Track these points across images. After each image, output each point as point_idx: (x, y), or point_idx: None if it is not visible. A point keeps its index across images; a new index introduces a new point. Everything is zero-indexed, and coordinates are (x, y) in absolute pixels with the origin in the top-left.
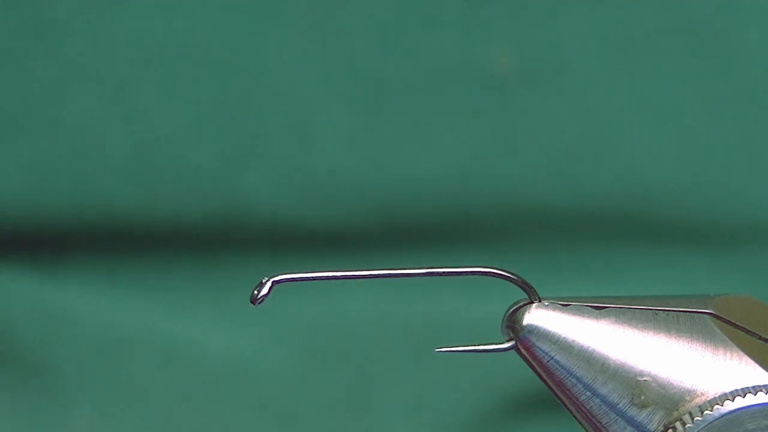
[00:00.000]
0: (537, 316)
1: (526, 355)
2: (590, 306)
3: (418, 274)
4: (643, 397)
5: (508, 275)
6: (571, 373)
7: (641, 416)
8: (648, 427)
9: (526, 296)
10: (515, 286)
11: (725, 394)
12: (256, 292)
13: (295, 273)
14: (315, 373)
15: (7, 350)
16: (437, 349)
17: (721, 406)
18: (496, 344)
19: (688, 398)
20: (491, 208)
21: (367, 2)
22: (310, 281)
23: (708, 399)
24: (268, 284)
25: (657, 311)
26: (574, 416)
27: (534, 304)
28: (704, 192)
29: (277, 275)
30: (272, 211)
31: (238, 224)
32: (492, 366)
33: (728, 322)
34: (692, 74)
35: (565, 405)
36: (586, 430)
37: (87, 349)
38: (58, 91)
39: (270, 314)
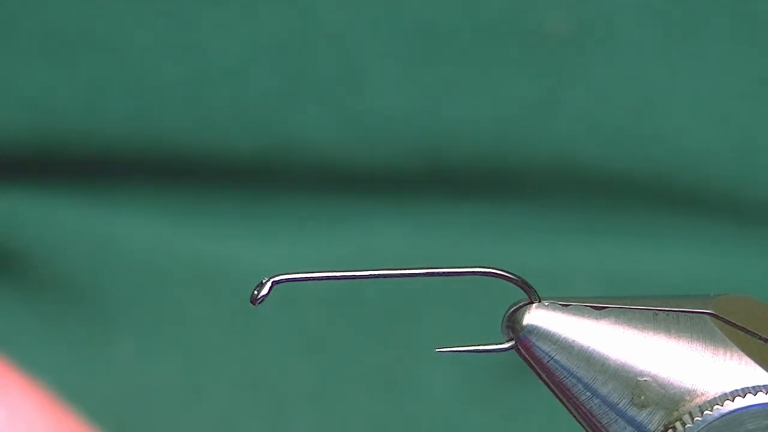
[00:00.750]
0: (537, 316)
1: (526, 355)
2: (590, 306)
3: (419, 274)
4: (643, 397)
5: (508, 275)
6: (571, 373)
7: (641, 416)
8: (648, 427)
9: (526, 296)
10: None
11: (725, 394)
12: (255, 292)
13: (295, 273)
14: (354, 298)
15: (52, 275)
16: (437, 349)
17: (721, 406)
18: (496, 344)
19: (688, 398)
20: (533, 163)
21: None
22: (310, 281)
23: (708, 399)
24: (268, 284)
25: (657, 311)
26: (574, 416)
27: (534, 304)
28: (743, 164)
29: (277, 275)
30: (321, 149)
31: (287, 160)
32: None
33: (728, 322)
34: (738, 47)
35: (565, 405)
36: (586, 430)
37: (132, 277)
38: (118, 19)
39: (315, 242)
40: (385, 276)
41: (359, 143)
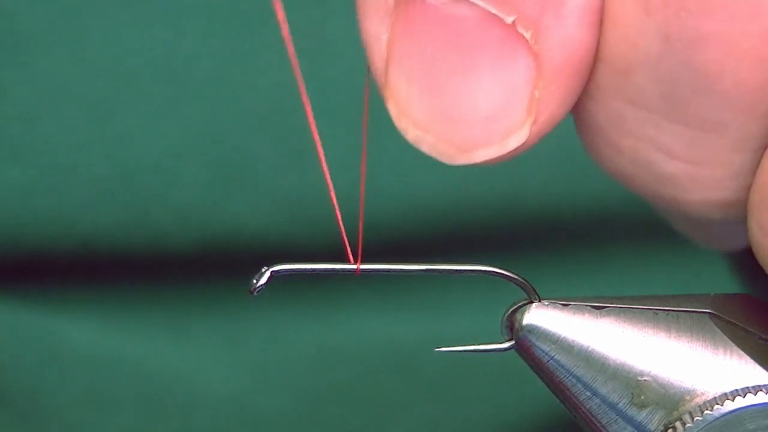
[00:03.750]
0: (537, 316)
1: (526, 355)
2: (590, 306)
3: (418, 270)
4: (643, 397)
5: (508, 274)
6: (571, 373)
7: (641, 416)
8: (648, 427)
9: (526, 296)
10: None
11: (725, 393)
12: (254, 281)
13: (294, 264)
14: (312, 407)
15: None
16: (437, 349)
17: (721, 405)
18: (496, 344)
19: (688, 398)
20: (488, 220)
21: (354, 20)
22: (309, 273)
23: (708, 399)
24: (267, 274)
25: (657, 311)
26: (573, 416)
27: (534, 304)
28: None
29: (276, 265)
30: (261, 235)
31: (227, 249)
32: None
33: (728, 321)
34: None
35: (564, 405)
36: (585, 429)
37: (72, 384)
38: (32, 114)
39: (265, 345)
40: (384, 271)
41: (302, 224)
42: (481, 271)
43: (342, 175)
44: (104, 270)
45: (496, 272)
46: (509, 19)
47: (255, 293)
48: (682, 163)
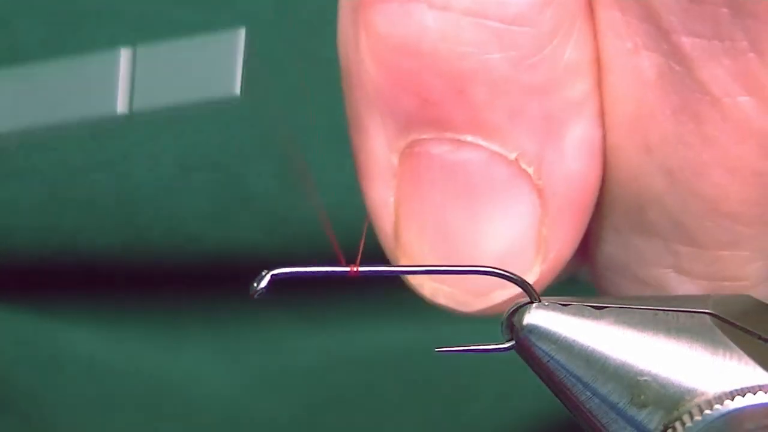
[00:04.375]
0: (537, 316)
1: (526, 355)
2: (590, 306)
3: (419, 271)
4: (642, 397)
5: (509, 275)
6: (571, 373)
7: (641, 416)
8: (648, 427)
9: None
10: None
11: (725, 393)
12: (255, 284)
13: (294, 267)
14: (312, 413)
15: None
16: (437, 349)
17: (721, 405)
18: (496, 344)
19: (687, 398)
20: None
21: None
22: (309, 276)
23: (708, 399)
24: (267, 278)
25: (657, 311)
26: (574, 416)
27: (534, 304)
28: None
29: (277, 269)
30: (260, 251)
31: (226, 263)
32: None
33: (728, 321)
34: None
35: (565, 404)
36: (585, 429)
37: (74, 390)
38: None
39: (264, 353)
40: (384, 273)
41: (298, 243)
42: (481, 271)
43: (341, 199)
44: (104, 281)
45: (496, 272)
46: (512, 156)
47: (256, 296)
48: (705, 281)
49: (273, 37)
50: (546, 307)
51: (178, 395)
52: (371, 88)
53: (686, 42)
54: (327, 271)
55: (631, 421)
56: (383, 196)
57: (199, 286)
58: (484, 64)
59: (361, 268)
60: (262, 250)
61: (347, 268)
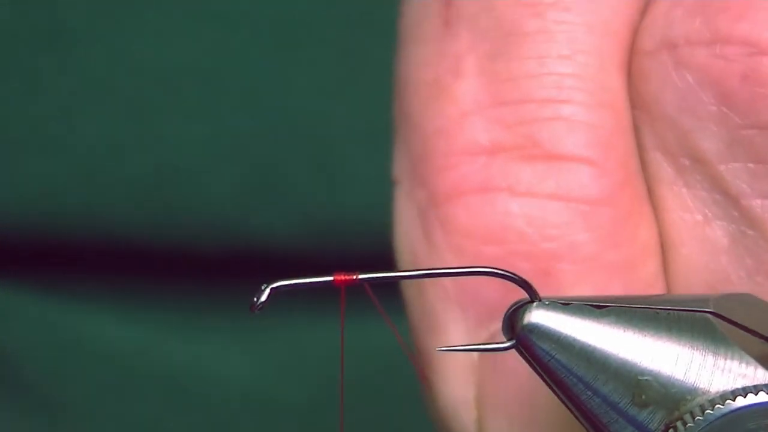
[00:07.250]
0: (537, 316)
1: (527, 355)
2: (591, 305)
3: (418, 275)
4: (643, 397)
5: (509, 275)
6: (572, 373)
7: (642, 416)
8: (649, 427)
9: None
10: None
11: (726, 393)
12: (255, 299)
13: (292, 279)
14: (331, 404)
15: (12, 377)
16: (438, 348)
17: (722, 405)
18: (496, 343)
19: (689, 397)
20: None
21: (393, 36)
22: (309, 287)
23: (709, 398)
24: (267, 291)
25: (658, 310)
26: (574, 415)
27: (534, 304)
28: None
29: (276, 282)
30: (287, 242)
31: (251, 252)
32: None
33: (729, 321)
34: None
35: (565, 404)
36: (586, 429)
37: (92, 376)
38: (69, 107)
39: (284, 341)
40: (384, 279)
41: (327, 238)
42: (481, 272)
43: (371, 193)
44: (128, 265)
45: (496, 272)
46: None
47: (256, 311)
48: None
49: (305, 32)
50: (547, 306)
51: (197, 380)
52: (451, 283)
53: (757, 204)
54: (326, 281)
55: (632, 420)
56: (463, 392)
57: (220, 274)
58: (571, 244)
59: (361, 276)
60: (286, 240)
61: (347, 277)
